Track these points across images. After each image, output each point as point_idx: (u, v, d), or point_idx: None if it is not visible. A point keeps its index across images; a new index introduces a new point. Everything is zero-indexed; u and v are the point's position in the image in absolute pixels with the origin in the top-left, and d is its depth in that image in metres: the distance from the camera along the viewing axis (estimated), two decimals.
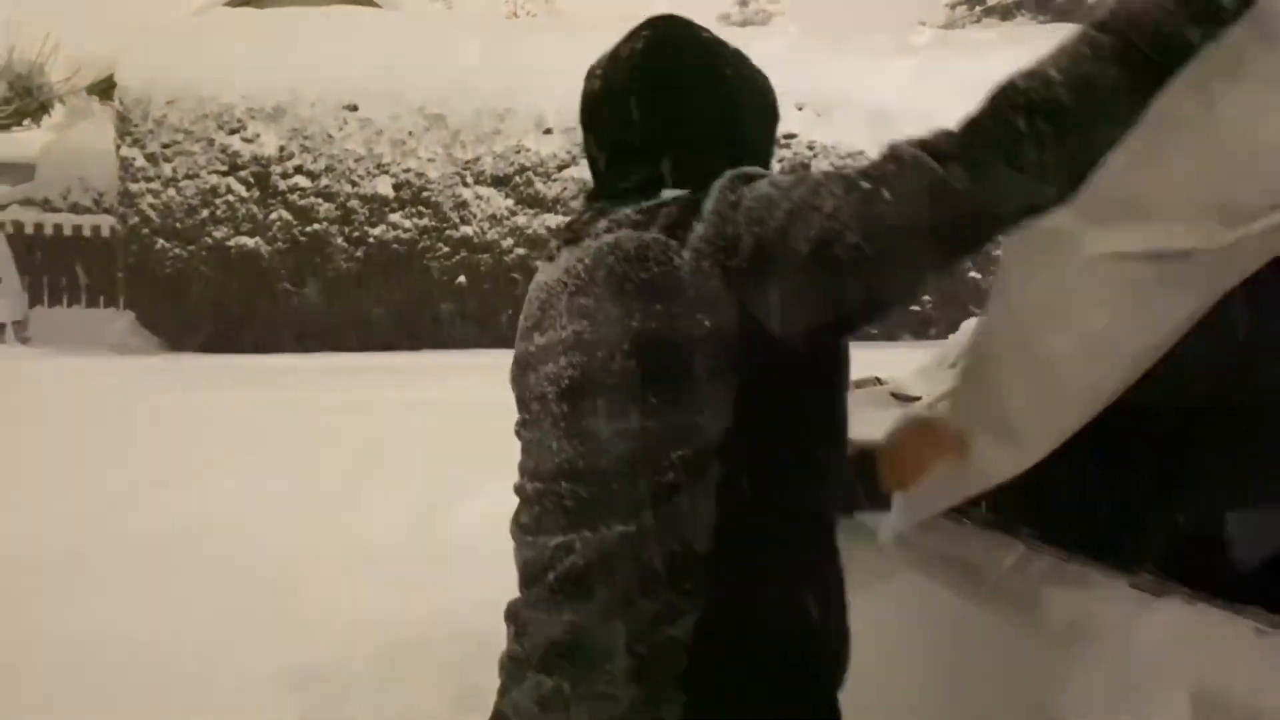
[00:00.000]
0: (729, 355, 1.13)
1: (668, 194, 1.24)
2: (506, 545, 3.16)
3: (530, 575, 1.33)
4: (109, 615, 3.44)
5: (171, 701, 2.82)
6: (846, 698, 1.19)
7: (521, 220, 12.55)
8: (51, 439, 6.02)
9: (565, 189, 12.60)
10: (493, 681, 3.08)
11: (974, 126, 1.08)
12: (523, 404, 1.39)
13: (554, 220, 12.54)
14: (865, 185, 1.10)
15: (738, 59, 1.38)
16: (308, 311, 12.45)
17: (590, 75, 1.38)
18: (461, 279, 12.38)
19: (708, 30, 1.35)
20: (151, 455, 5.80)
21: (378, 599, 3.56)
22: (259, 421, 6.94)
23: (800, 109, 13.31)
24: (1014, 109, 1.04)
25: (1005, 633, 1.21)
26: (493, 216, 12.57)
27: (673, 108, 1.31)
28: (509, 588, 3.48)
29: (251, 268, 12.34)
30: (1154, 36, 0.97)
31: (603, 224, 1.27)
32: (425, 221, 12.45)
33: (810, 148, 13.19)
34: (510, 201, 12.61)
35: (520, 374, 1.40)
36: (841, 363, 1.25)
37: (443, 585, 3.34)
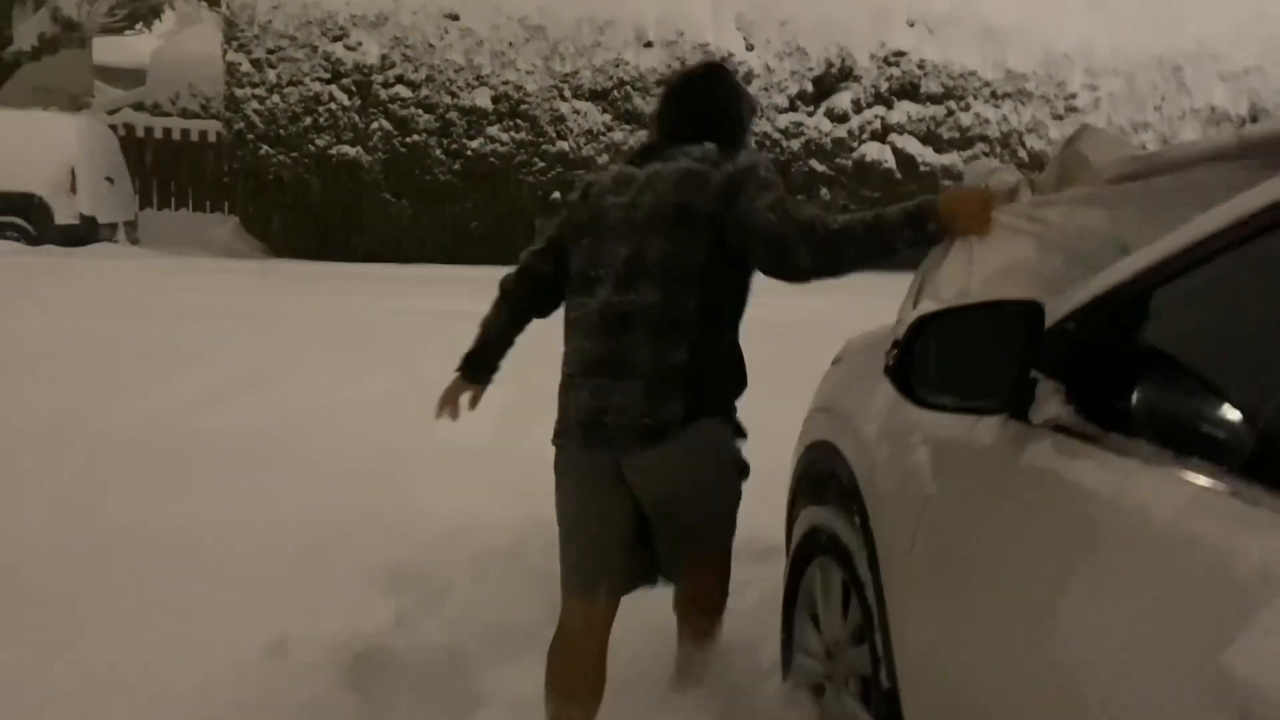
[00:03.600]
0: (715, 224, 2.26)
1: (707, 147, 2.38)
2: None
3: (580, 322, 2.37)
4: (205, 507, 3.47)
5: (264, 597, 2.83)
6: None
7: (618, 136, 12.35)
8: (157, 335, 6.13)
9: None
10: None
11: (827, 229, 2.21)
12: (582, 228, 2.43)
13: (643, 134, 12.32)
14: (788, 208, 2.25)
15: (740, 86, 2.63)
16: (405, 221, 12.52)
17: (668, 84, 2.69)
18: (556, 195, 12.28)
19: (722, 66, 2.93)
20: (251, 353, 5.86)
21: (470, 502, 3.52)
22: (355, 324, 6.99)
23: (911, 25, 12.75)
24: (834, 235, 2.20)
25: (1176, 581, 1.09)
26: (589, 132, 12.40)
27: (714, 106, 2.48)
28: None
29: (352, 176, 12.43)
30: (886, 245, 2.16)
31: (670, 154, 2.40)
32: (522, 135, 12.35)
33: (920, 66, 12.65)
34: (608, 117, 12.41)
35: (586, 207, 2.46)
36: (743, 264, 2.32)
37: (531, 492, 3.29)
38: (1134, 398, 1.38)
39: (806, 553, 2.27)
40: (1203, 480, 1.15)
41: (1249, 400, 1.23)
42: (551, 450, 2.42)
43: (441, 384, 2.68)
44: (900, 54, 12.67)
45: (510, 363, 2.66)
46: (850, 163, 12.63)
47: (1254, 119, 13.12)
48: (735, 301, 2.33)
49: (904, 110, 12.67)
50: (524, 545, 3.18)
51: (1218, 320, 1.36)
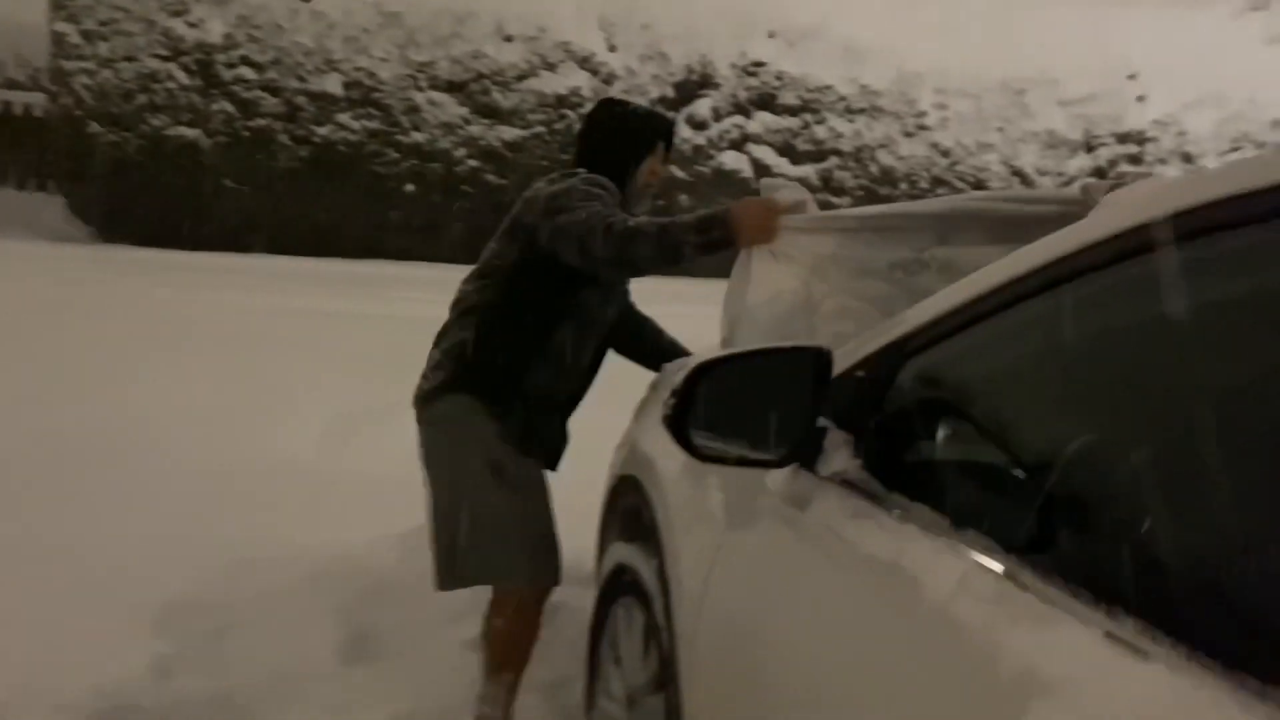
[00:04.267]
0: (530, 235, 2.55)
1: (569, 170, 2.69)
2: (415, 476, 2.89)
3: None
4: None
5: (8, 641, 2.52)
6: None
7: (476, 130, 12.09)
8: None
9: (524, 100, 12.13)
10: (386, 626, 2.71)
11: (623, 224, 2.38)
12: None
13: (511, 133, 12.10)
14: (595, 208, 2.44)
15: (628, 124, 2.80)
16: (247, 210, 11.94)
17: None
18: (410, 187, 11.93)
19: (624, 103, 3.05)
20: (73, 351, 5.45)
21: (276, 527, 3.27)
22: (187, 322, 6.59)
23: (772, 36, 12.89)
24: (627, 229, 2.36)
25: (943, 667, 1.01)
26: (445, 124, 12.08)
27: (591, 139, 2.77)
28: (412, 523, 3.09)
29: (190, 160, 11.77)
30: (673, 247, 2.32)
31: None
32: (374, 124, 11.94)
33: (779, 78, 12.81)
34: (465, 110, 12.12)
35: None
36: (560, 269, 2.53)
37: (344, 515, 3.09)
38: (918, 456, 1.31)
39: (612, 591, 2.17)
40: (976, 557, 1.08)
41: (1031, 470, 1.17)
42: (374, 470, 2.95)
43: (265, 394, 2.49)
44: (759, 64, 12.79)
45: (343, 377, 2.52)
46: (709, 170, 12.68)
47: (1089, 146, 13.78)
48: (543, 299, 2.57)
49: (762, 121, 12.80)
50: (325, 573, 2.97)
51: (1007, 378, 1.30)
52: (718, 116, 12.75)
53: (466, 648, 2.77)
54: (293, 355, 5.69)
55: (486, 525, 2.46)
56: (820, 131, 12.90)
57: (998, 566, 1.04)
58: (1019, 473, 1.21)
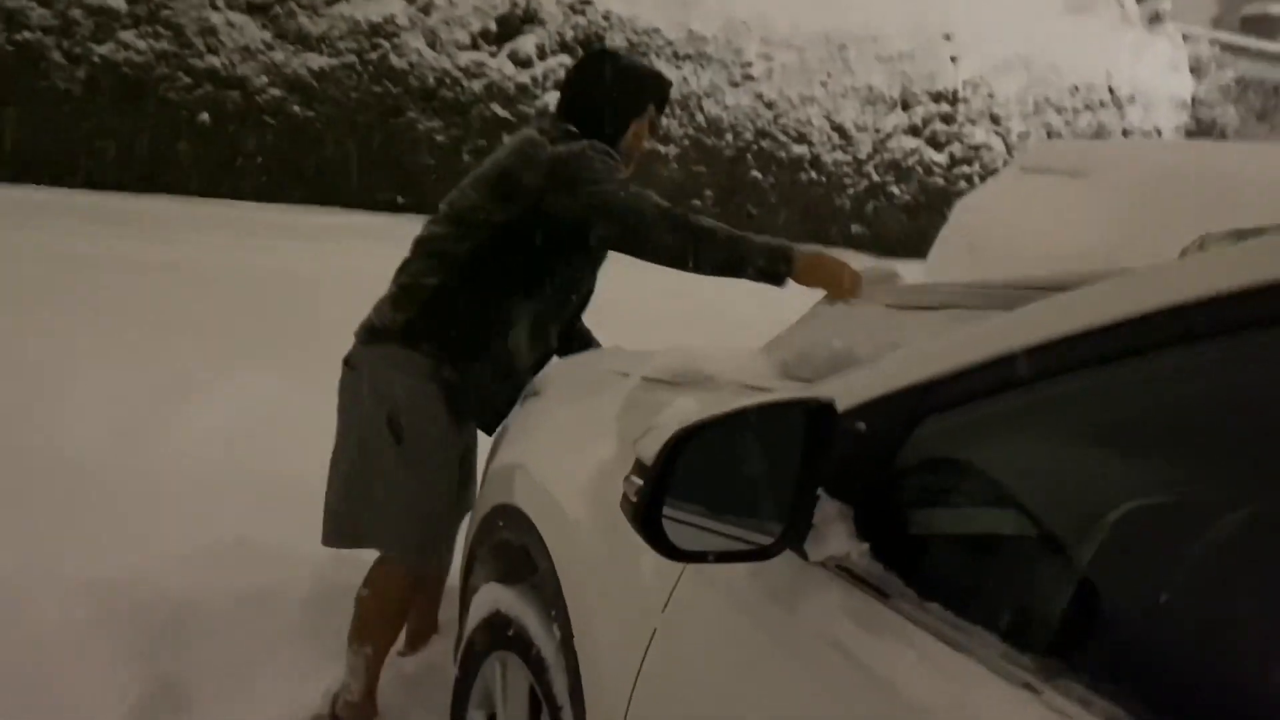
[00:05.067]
0: (530, 197, 2.32)
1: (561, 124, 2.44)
2: (217, 472, 2.37)
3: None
4: None
5: None
6: None
7: (280, 57, 11.11)
8: None
9: (333, 26, 11.22)
10: (196, 670, 2.22)
11: (688, 218, 2.34)
12: None
13: (319, 61, 11.19)
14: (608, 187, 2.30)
15: (620, 76, 2.49)
16: (15, 135, 10.58)
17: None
18: (204, 117, 10.86)
19: (618, 56, 2.62)
20: None
21: (43, 546, 2.66)
22: None
23: None
24: (698, 226, 2.34)
25: None
26: (245, 49, 11.04)
27: (581, 94, 2.50)
28: (218, 532, 2.59)
29: None
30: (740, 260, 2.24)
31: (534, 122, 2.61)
32: (164, 45, 10.77)
33: (606, 18, 12.38)
34: (268, 34, 11.11)
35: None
36: (556, 237, 2.34)
37: (131, 528, 2.59)
38: (934, 540, 1.02)
39: (487, 639, 1.80)
40: (1008, 682, 0.81)
41: (1070, 566, 0.90)
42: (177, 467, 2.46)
43: (44, 367, 1.95)
44: (587, 2, 12.32)
45: (138, 343, 1.98)
46: (533, 110, 12.14)
47: (905, 103, 14.04)
48: (530, 264, 2.35)
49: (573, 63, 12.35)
50: (116, 610, 2.43)
51: (1070, 452, 1.02)
52: (543, 54, 12.22)
53: (298, 677, 2.35)
54: (58, 313, 4.96)
55: (377, 488, 2.29)
56: None
57: (1037, 688, 0.78)
58: (1056, 571, 0.94)
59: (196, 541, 2.70)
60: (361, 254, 8.85)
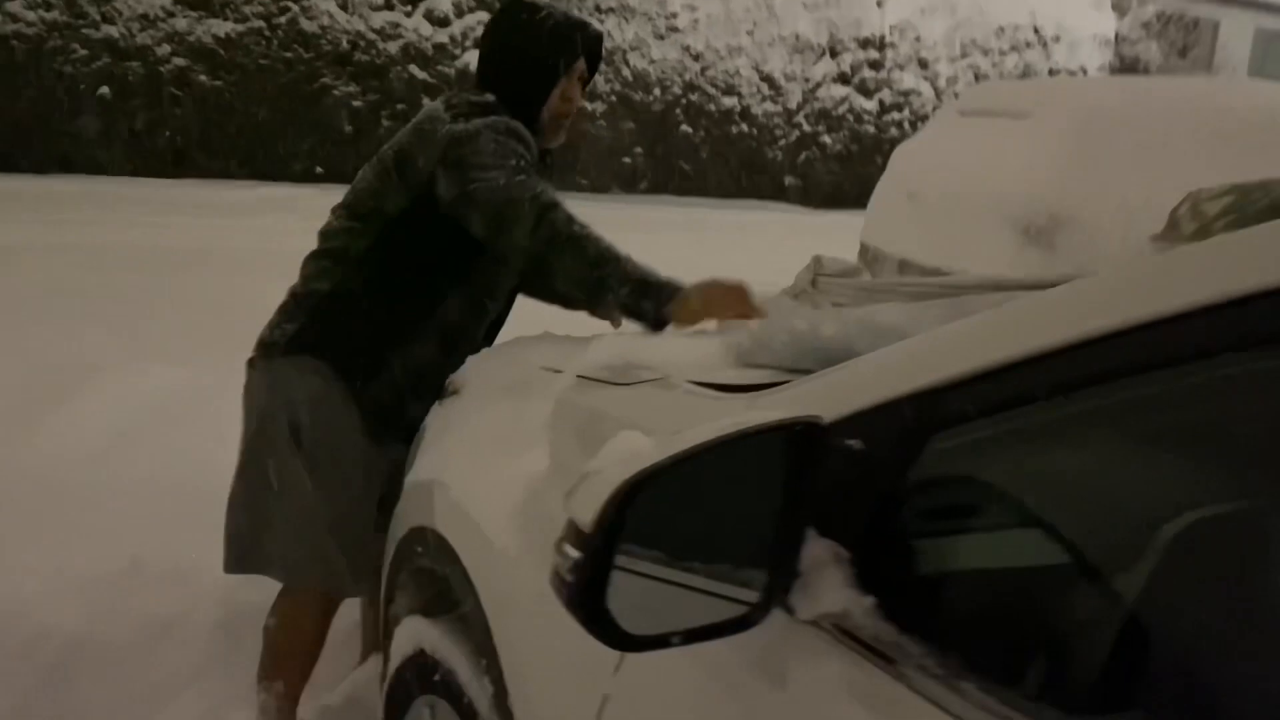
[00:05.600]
0: (423, 181, 2.01)
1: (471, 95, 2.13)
2: (100, 481, 2.10)
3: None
4: None
5: None
6: None
7: (182, 24, 10.53)
8: None
9: None
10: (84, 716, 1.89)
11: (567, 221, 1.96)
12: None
13: (225, 26, 10.63)
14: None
15: (527, 27, 2.13)
16: None
17: None
18: (104, 90, 10.27)
19: (534, 6, 2.15)
20: None
21: None
22: None
23: None
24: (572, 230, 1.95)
25: None
26: (144, 16, 10.44)
27: (485, 54, 2.20)
28: (99, 559, 2.26)
29: None
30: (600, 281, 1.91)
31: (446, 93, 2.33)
32: (55, 15, 10.14)
33: None
34: (167, 0, 10.52)
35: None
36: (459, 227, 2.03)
37: (18, 547, 2.28)
38: (957, 589, 0.80)
39: (414, 679, 1.56)
40: None
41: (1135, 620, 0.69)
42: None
43: None
44: None
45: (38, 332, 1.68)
46: (453, 71, 11.72)
47: (833, 51, 13.83)
48: (433, 260, 2.06)
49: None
50: None
51: (1110, 465, 0.80)
52: (460, 12, 11.77)
53: (207, 717, 2.09)
54: None
55: (278, 507, 2.01)
56: None
57: None
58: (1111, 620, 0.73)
59: (86, 563, 2.41)
60: (279, 229, 8.43)
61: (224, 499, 2.07)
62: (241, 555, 2.07)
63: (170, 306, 5.18)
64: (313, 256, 2.13)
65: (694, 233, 9.87)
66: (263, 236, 7.89)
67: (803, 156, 13.92)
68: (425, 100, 11.57)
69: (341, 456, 2.01)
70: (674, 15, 12.82)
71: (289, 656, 2.10)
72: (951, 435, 0.82)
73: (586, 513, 0.75)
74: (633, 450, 0.78)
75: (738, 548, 0.81)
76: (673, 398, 1.19)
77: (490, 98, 2.07)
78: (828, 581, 0.84)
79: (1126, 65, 16.26)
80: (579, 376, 1.38)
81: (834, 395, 0.88)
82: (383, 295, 2.04)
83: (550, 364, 1.53)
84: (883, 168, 6.37)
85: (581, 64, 2.16)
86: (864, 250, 6.22)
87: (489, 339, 2.20)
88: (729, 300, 1.85)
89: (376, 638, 2.16)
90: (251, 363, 2.11)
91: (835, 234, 9.46)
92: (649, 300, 1.88)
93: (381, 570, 1.90)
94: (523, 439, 1.38)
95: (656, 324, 1.88)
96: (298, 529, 2.01)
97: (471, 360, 1.92)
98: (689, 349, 1.39)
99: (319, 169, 11.37)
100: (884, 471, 0.84)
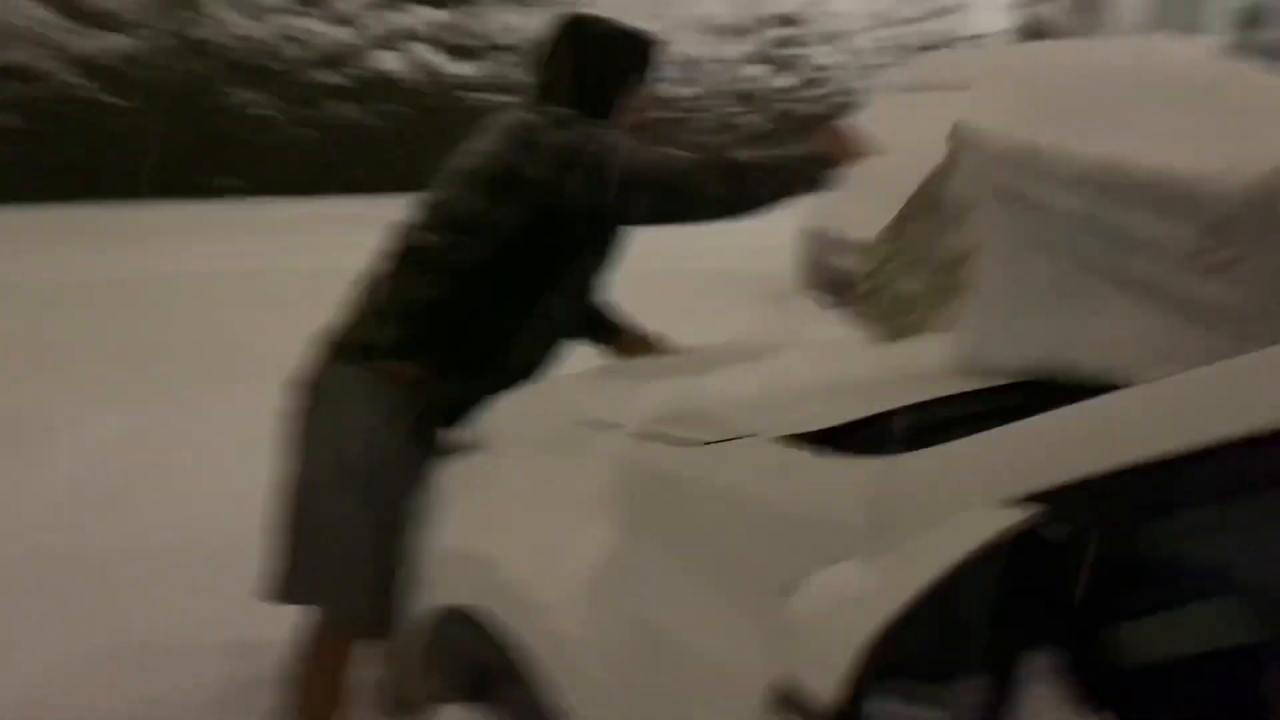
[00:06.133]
0: (540, 192, 1.95)
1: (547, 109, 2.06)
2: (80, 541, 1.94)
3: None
4: None
5: None
6: None
7: (71, 39, 10.01)
8: None
9: (128, 2, 10.16)
10: None
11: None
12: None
13: (123, 41, 10.13)
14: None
15: (600, 41, 2.13)
16: None
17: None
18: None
19: (599, 20, 2.16)
20: None
21: None
22: None
23: None
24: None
25: None
26: (28, 33, 9.89)
27: (551, 71, 2.11)
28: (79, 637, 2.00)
29: None
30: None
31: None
32: None
33: None
34: (52, 15, 9.98)
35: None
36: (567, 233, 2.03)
37: None
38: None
39: None
40: None
41: None
42: None
43: None
44: None
45: None
46: (366, 73, 11.37)
47: (746, 30, 13.75)
48: (544, 266, 2.05)
49: (419, 15, 11.61)
50: None
51: None
52: (362, 10, 11.40)
53: None
54: None
55: (332, 536, 1.93)
56: (477, 25, 11.90)
57: None
58: None
59: (49, 649, 2.18)
60: (197, 250, 8.07)
61: (186, 560, 1.89)
62: (287, 585, 1.96)
63: (92, 344, 4.85)
64: (407, 269, 2.05)
65: None
66: (178, 259, 7.53)
67: (723, 137, 13.84)
68: (326, 104, 11.20)
69: (402, 481, 1.90)
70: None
71: (323, 698, 2.00)
72: (1185, 516, 0.69)
73: (825, 681, 0.60)
74: (853, 591, 0.63)
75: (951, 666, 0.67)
76: (780, 460, 1.04)
77: (566, 110, 2.05)
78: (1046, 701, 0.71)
79: (1033, 26, 16.49)
80: (639, 433, 1.22)
81: (1012, 466, 0.74)
82: (488, 303, 2.03)
83: (594, 415, 1.36)
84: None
85: (648, 75, 2.17)
86: (808, 234, 6.14)
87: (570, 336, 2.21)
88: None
89: (295, 705, 2.02)
90: (310, 376, 2.00)
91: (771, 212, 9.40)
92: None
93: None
94: (577, 507, 1.22)
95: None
96: (349, 559, 1.92)
97: (494, 410, 1.74)
98: (760, 387, 1.24)
99: (228, 181, 10.96)
100: (1099, 576, 0.71)
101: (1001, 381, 1.24)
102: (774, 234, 7.94)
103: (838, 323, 2.04)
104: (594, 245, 2.12)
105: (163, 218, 9.38)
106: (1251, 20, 27.72)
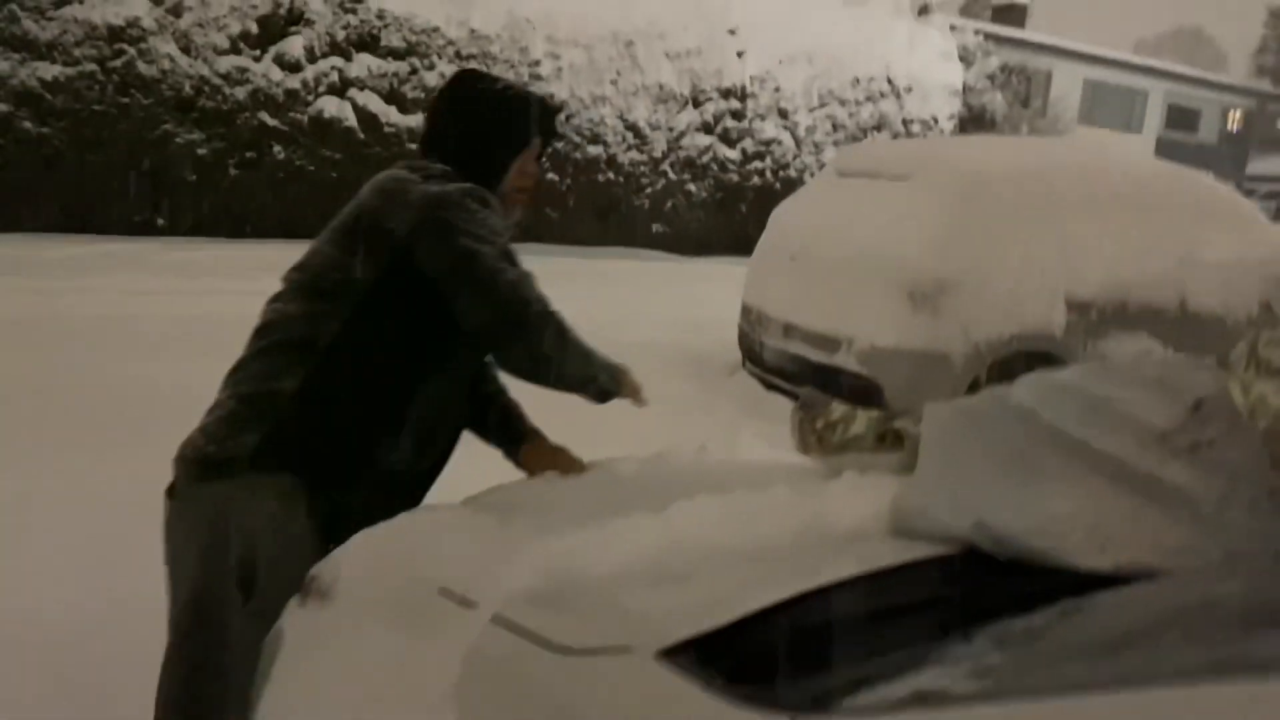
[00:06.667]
0: (400, 248, 1.80)
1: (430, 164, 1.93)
2: None
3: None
4: None
5: None
6: None
7: (3, 66, 9.72)
8: None
9: (66, 31, 9.91)
10: None
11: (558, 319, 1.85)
12: None
13: (52, 70, 9.86)
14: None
15: (491, 99, 1.99)
16: None
17: None
18: None
19: (492, 78, 2.04)
20: None
21: None
22: None
23: None
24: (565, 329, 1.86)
25: None
26: None
27: (440, 126, 2.00)
28: None
29: None
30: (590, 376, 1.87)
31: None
32: None
33: (380, 16, 11.55)
34: None
35: None
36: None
37: None
38: None
39: None
40: None
41: None
42: None
43: None
44: (357, 1, 11.45)
45: None
46: (306, 118, 11.20)
47: (696, 101, 13.87)
48: (415, 338, 1.81)
49: (364, 64, 11.50)
50: None
51: None
52: (312, 57, 11.28)
53: None
54: None
55: (220, 660, 1.65)
56: (430, 77, 11.83)
57: None
58: None
59: None
60: (122, 289, 7.77)
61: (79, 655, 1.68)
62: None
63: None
64: (263, 352, 1.82)
65: (570, 284, 9.62)
66: (101, 299, 7.24)
67: (669, 204, 13.88)
68: (275, 148, 11.01)
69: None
70: (536, 63, 12.63)
71: None
72: None
73: None
74: None
75: None
76: (656, 696, 0.87)
77: (447, 169, 1.89)
78: None
79: (974, 114, 16.90)
80: (499, 617, 1.04)
81: None
82: (360, 385, 1.79)
83: (456, 582, 1.17)
84: (747, 216, 6.29)
85: (538, 140, 2.02)
86: (747, 311, 6.09)
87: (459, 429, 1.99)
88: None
89: None
90: (175, 490, 1.76)
91: (714, 282, 9.37)
92: (614, 381, 1.90)
93: None
94: (424, 702, 1.04)
95: (608, 398, 1.91)
96: (242, 680, 1.63)
97: (347, 549, 1.49)
98: (657, 547, 1.10)
99: (161, 220, 10.66)
100: None
101: (937, 551, 1.13)
102: (709, 305, 7.91)
103: (766, 439, 1.93)
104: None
105: (81, 252, 9.06)
106: (1181, 121, 28.87)
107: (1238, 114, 28.56)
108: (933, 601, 1.04)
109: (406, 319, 1.80)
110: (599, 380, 1.88)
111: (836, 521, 1.22)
